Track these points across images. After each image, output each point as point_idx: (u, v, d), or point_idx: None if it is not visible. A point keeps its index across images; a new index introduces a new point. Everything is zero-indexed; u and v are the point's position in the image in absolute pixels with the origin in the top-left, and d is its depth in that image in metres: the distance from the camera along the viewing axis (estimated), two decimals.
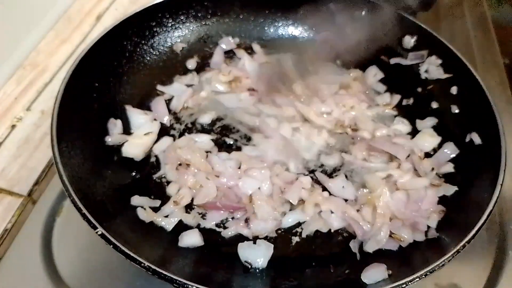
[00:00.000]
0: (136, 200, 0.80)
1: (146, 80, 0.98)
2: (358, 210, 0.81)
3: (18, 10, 1.11)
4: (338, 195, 0.83)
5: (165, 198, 0.82)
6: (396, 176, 0.85)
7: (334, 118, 0.94)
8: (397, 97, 1.00)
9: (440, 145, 0.90)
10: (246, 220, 0.79)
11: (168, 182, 0.85)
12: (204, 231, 0.78)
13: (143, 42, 0.98)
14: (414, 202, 0.80)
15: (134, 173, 0.86)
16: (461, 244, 0.67)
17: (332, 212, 0.80)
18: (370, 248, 0.75)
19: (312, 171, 0.88)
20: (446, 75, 0.95)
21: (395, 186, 0.84)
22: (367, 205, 0.81)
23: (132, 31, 0.95)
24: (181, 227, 0.79)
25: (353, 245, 0.77)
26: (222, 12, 1.05)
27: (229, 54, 1.07)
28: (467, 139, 0.86)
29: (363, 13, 1.03)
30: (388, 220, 0.78)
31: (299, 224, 0.81)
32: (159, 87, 0.98)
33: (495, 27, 1.28)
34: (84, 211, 0.66)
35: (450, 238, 0.74)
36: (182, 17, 1.02)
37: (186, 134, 0.92)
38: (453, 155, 0.87)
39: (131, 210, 0.79)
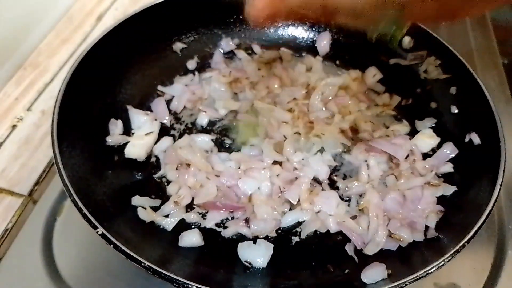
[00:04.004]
0: (136, 200, 0.80)
1: (147, 80, 0.98)
2: (355, 217, 0.81)
3: (19, 10, 1.11)
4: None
5: (165, 198, 0.82)
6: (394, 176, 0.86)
7: (337, 128, 0.93)
8: (396, 98, 1.00)
9: (439, 146, 0.90)
10: (246, 220, 0.80)
11: (169, 182, 0.85)
12: (204, 231, 0.79)
13: (143, 42, 0.98)
14: (411, 202, 0.80)
15: (134, 173, 0.86)
16: (461, 244, 0.67)
17: (330, 215, 0.80)
18: (370, 251, 0.76)
19: None
20: (445, 76, 0.96)
21: (392, 187, 0.84)
22: (363, 212, 0.81)
23: (133, 31, 0.95)
24: (181, 227, 0.79)
25: (349, 248, 0.77)
26: (222, 12, 1.06)
27: (229, 55, 1.08)
28: (467, 139, 0.87)
29: None
30: (383, 222, 0.78)
31: (298, 224, 0.81)
32: (160, 88, 0.99)
33: (494, 27, 1.29)
34: (85, 211, 0.67)
35: (449, 238, 0.75)
36: (182, 17, 1.02)
37: (186, 134, 0.93)
38: (453, 155, 0.87)
39: (131, 210, 0.79)
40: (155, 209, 0.80)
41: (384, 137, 0.92)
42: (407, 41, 1.00)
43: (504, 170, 0.75)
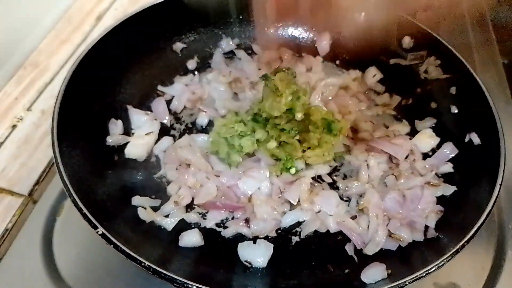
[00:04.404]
0: (136, 200, 0.80)
1: (147, 80, 0.98)
2: (355, 216, 0.81)
3: (19, 10, 1.11)
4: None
5: (165, 198, 0.82)
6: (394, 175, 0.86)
7: None
8: (396, 98, 1.00)
9: (439, 146, 0.90)
10: (246, 220, 0.80)
11: (169, 182, 0.85)
12: (204, 231, 0.79)
13: (143, 42, 0.98)
14: (411, 202, 0.80)
15: (134, 173, 0.86)
16: (460, 244, 0.67)
17: (330, 215, 0.80)
18: (370, 251, 0.76)
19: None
20: (445, 76, 0.96)
21: (392, 187, 0.84)
22: (363, 212, 0.82)
23: (132, 31, 0.95)
24: (182, 226, 0.79)
25: (349, 248, 0.77)
26: (222, 12, 1.06)
27: (229, 55, 1.08)
28: (466, 139, 0.87)
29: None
30: (382, 221, 0.78)
31: (298, 224, 0.81)
32: (160, 88, 0.99)
33: (494, 27, 1.29)
34: (85, 210, 0.67)
35: (449, 238, 0.75)
36: (182, 17, 1.02)
37: (186, 134, 0.93)
38: (452, 155, 0.87)
39: (131, 210, 0.79)
40: (155, 209, 0.80)
41: (384, 137, 0.92)
42: (407, 41, 1.01)
43: (504, 170, 0.75)
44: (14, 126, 0.99)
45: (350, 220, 0.80)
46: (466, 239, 0.67)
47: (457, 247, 0.67)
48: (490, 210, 0.70)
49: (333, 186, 0.87)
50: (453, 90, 0.94)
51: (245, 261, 0.75)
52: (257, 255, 0.75)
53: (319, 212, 0.81)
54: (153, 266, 0.63)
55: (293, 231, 0.81)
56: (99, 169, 0.81)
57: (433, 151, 0.90)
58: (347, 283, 0.73)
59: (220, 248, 0.78)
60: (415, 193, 0.82)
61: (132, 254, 0.63)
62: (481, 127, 0.85)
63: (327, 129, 0.83)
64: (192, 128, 0.95)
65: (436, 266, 0.65)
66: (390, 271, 0.70)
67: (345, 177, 0.88)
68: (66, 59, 1.13)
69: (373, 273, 0.71)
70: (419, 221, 0.78)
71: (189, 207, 0.82)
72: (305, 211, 0.81)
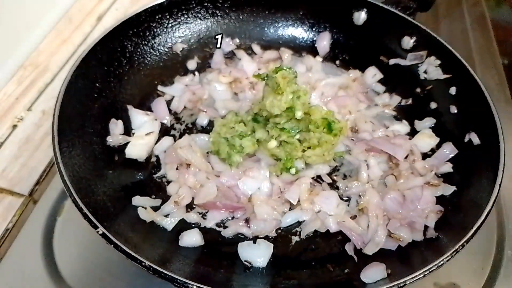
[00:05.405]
0: (137, 200, 0.80)
1: (147, 80, 0.98)
2: (355, 216, 0.81)
3: (19, 11, 1.11)
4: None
5: (165, 198, 0.82)
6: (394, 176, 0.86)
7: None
8: (396, 98, 1.00)
9: (438, 146, 0.90)
10: (246, 220, 0.80)
11: (169, 182, 0.85)
12: (205, 231, 0.79)
13: (143, 42, 0.98)
14: (411, 202, 0.81)
15: (135, 173, 0.86)
16: (460, 243, 0.67)
17: (330, 215, 0.81)
18: (369, 250, 0.76)
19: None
20: (445, 76, 0.96)
21: (392, 187, 0.84)
22: (362, 212, 0.82)
23: (133, 31, 0.95)
24: (182, 226, 0.79)
25: (349, 248, 0.77)
26: (222, 13, 1.06)
27: (229, 55, 1.08)
28: (466, 139, 0.87)
29: (363, 13, 1.04)
30: (382, 221, 0.78)
31: (298, 224, 0.81)
32: (160, 88, 0.99)
33: (494, 28, 1.29)
34: (85, 210, 0.67)
35: (449, 237, 0.75)
36: (182, 18, 1.03)
37: (186, 134, 0.93)
38: (452, 155, 0.87)
39: (131, 210, 0.79)
40: (156, 209, 0.80)
41: (384, 137, 0.92)
42: (407, 41, 1.01)
43: (503, 170, 0.75)
44: (14, 126, 0.99)
45: (350, 220, 0.80)
46: (465, 239, 0.67)
47: (457, 247, 0.67)
48: (490, 210, 0.70)
49: (333, 186, 0.87)
50: (453, 90, 0.94)
51: (245, 261, 0.75)
52: (257, 255, 0.75)
53: (319, 212, 0.81)
54: (154, 266, 0.63)
55: (293, 231, 0.81)
56: (99, 169, 0.81)
57: (433, 151, 0.90)
58: (347, 283, 0.73)
59: (220, 248, 0.78)
60: (415, 193, 0.82)
61: (133, 254, 0.63)
62: (481, 127, 0.85)
63: (327, 129, 0.83)
64: (192, 128, 0.95)
65: (436, 266, 0.65)
66: (390, 271, 0.70)
67: (345, 177, 0.89)
68: (67, 59, 1.13)
69: (373, 273, 0.71)
70: (419, 221, 0.78)
71: (189, 207, 0.82)
72: (305, 211, 0.81)
